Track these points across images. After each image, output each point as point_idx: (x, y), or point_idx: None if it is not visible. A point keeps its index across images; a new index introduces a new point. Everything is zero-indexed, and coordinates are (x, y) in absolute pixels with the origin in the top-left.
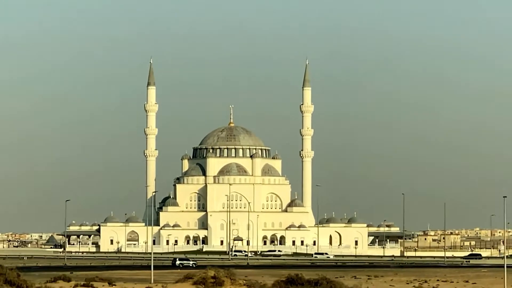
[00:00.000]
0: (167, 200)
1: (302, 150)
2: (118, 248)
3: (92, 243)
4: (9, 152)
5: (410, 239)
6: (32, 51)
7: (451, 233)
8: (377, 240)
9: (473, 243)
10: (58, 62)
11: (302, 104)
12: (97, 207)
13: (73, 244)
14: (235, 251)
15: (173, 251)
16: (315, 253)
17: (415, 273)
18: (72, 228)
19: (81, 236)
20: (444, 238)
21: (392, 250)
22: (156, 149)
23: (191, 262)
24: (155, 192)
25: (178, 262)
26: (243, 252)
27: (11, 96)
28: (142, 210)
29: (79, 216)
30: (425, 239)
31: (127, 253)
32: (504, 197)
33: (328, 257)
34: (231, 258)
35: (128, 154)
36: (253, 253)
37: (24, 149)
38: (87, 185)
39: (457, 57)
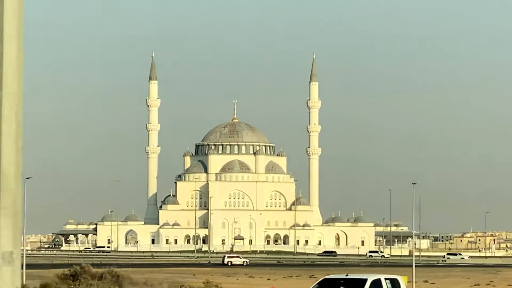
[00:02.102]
0: (167, 198)
1: (309, 147)
2: (114, 247)
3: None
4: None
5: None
6: (33, 47)
7: (491, 235)
8: (384, 240)
9: (510, 244)
10: (59, 57)
11: (309, 100)
12: (98, 205)
13: (70, 243)
14: (370, 251)
15: (169, 250)
16: (447, 254)
17: (380, 272)
18: (68, 227)
19: (78, 235)
20: (479, 239)
21: (401, 250)
22: (158, 146)
23: (242, 260)
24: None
25: (226, 259)
26: (379, 252)
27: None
28: (143, 209)
29: (82, 214)
30: (461, 240)
31: (120, 251)
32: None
33: (462, 258)
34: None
35: (129, 151)
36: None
37: (27, 146)
38: (89, 183)
39: (470, 46)
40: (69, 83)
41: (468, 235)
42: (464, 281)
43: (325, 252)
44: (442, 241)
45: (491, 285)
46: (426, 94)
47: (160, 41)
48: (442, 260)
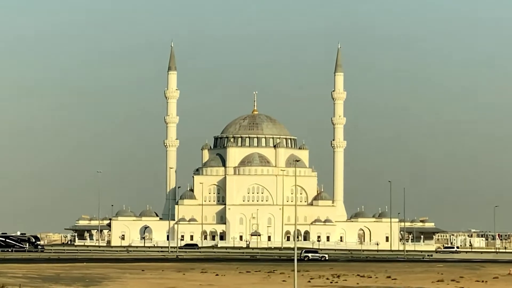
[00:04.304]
0: (184, 193)
1: (333, 140)
2: (129, 243)
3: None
4: (27, 143)
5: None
6: (48, 43)
7: None
8: (409, 236)
9: None
10: (74, 51)
11: (334, 91)
12: (114, 200)
13: (85, 239)
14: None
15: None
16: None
17: (354, 267)
18: (81, 223)
19: (92, 230)
20: None
21: (426, 246)
22: (176, 139)
23: (320, 255)
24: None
25: (303, 254)
26: (455, 248)
27: (22, 89)
28: (159, 203)
29: (95, 209)
30: None
31: (135, 247)
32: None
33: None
34: None
35: (146, 144)
36: None
37: (40, 140)
38: (103, 178)
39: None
40: (78, 78)
41: None
42: (431, 277)
43: (186, 245)
44: (501, 239)
45: (455, 281)
46: (466, 79)
47: (179, 31)
48: (428, 255)
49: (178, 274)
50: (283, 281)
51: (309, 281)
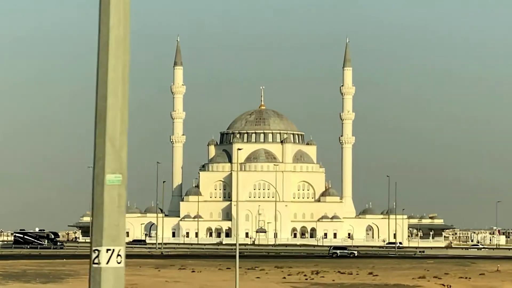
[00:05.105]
0: (189, 189)
1: (342, 135)
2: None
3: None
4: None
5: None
6: (48, 38)
7: None
8: (418, 233)
9: None
10: (75, 46)
11: (343, 86)
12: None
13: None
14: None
15: (183, 242)
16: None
17: (340, 264)
18: (85, 219)
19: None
20: None
21: (435, 243)
22: (183, 135)
23: (348, 252)
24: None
25: (332, 250)
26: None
27: (25, 87)
28: (165, 200)
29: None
30: None
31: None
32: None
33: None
34: None
35: (152, 140)
36: None
37: (41, 138)
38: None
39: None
40: (81, 75)
41: None
42: (415, 273)
43: (134, 241)
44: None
45: (438, 278)
46: (478, 75)
47: (185, 26)
48: (420, 252)
49: (153, 271)
50: (257, 277)
51: (284, 278)
